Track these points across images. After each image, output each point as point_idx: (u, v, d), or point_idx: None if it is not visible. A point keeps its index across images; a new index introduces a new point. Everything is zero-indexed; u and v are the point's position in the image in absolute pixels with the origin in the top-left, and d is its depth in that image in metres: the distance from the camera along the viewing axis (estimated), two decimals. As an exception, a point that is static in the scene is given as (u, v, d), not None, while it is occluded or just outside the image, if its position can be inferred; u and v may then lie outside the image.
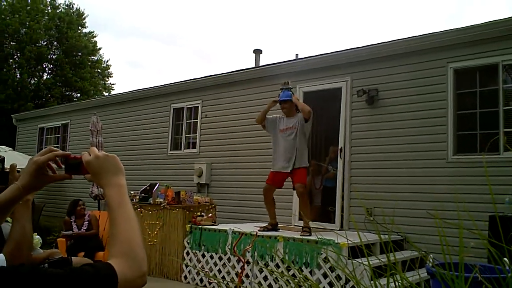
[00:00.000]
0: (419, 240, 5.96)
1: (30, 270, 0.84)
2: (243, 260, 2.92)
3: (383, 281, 1.99)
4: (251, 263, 6.10)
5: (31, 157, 1.27)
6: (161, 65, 59.24)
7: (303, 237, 5.84)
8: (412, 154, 6.71)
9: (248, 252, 6.04)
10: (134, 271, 0.98)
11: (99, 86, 25.71)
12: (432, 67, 6.70)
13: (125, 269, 0.95)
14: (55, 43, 23.85)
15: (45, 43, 23.54)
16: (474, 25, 6.40)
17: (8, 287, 0.79)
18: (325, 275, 5.46)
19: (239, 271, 6.03)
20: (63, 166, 1.27)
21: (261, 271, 5.97)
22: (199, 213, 7.05)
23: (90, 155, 1.18)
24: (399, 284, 1.45)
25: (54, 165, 1.28)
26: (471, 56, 6.41)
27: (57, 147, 13.20)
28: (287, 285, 5.68)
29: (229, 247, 6.33)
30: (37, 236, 5.49)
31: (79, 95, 24.28)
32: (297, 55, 12.11)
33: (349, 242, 5.32)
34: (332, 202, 7.43)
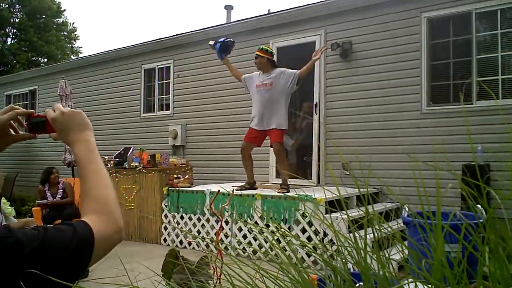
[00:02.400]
0: (395, 192, 6.03)
1: (6, 232, 0.81)
2: (220, 217, 2.87)
3: (361, 232, 1.98)
4: (230, 222, 6.11)
5: None
6: (129, 25, 57.48)
7: (280, 194, 5.84)
8: (386, 106, 6.70)
9: (227, 210, 6.03)
10: (110, 227, 0.95)
11: (66, 50, 24.89)
12: (406, 18, 6.60)
13: (101, 226, 0.92)
14: (17, 5, 22.76)
15: (6, 6, 22.44)
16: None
17: None
18: (303, 231, 5.51)
19: (228, 231, 6.04)
20: (26, 125, 1.19)
21: (240, 229, 5.99)
22: (175, 175, 6.98)
23: (54, 111, 1.12)
24: (377, 234, 1.43)
25: (16, 125, 1.20)
26: (445, 4, 6.32)
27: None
28: (266, 242, 5.74)
29: (207, 208, 6.31)
30: (10, 206, 5.37)
31: (46, 60, 23.46)
32: (269, 10, 11.84)
33: (326, 197, 5.36)
34: (308, 158, 7.43)
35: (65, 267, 0.83)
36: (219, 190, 3.24)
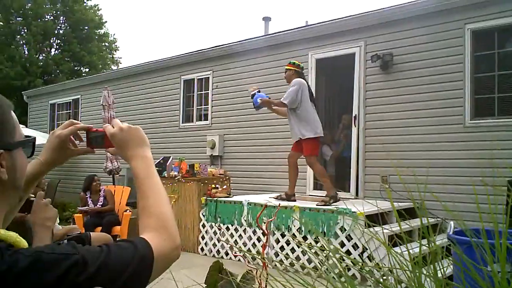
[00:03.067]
0: (436, 207, 5.89)
1: (72, 249, 0.83)
2: (266, 231, 2.88)
3: (403, 248, 1.95)
4: (267, 234, 6.11)
5: (53, 131, 1.23)
6: (169, 37, 58.65)
7: (318, 206, 5.81)
8: (428, 119, 6.57)
9: (271, 223, 6.01)
10: (168, 244, 0.96)
11: (107, 60, 25.60)
12: (449, 29, 6.48)
13: (160, 243, 0.94)
14: (61, 17, 23.64)
15: (51, 17, 23.34)
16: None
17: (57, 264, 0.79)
18: (342, 244, 5.45)
19: (263, 242, 6.03)
20: (84, 139, 1.23)
21: (277, 241, 5.98)
22: (213, 185, 7.04)
23: (113, 127, 1.15)
24: (416, 251, 1.41)
25: (76, 139, 1.25)
26: (489, 16, 6.18)
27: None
28: (303, 255, 5.71)
29: (245, 218, 6.34)
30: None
31: (87, 69, 24.21)
32: (307, 21, 11.86)
33: (365, 210, 5.29)
34: (347, 170, 7.35)
35: (126, 284, 0.84)
36: (265, 205, 3.24)
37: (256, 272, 2.04)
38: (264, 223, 5.99)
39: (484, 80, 6.39)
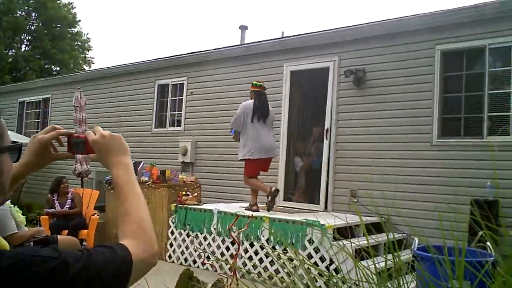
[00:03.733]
0: (402, 222, 6.04)
1: (54, 252, 0.84)
2: (237, 241, 2.90)
3: (369, 262, 2.01)
4: (236, 244, 6.13)
5: (34, 135, 1.25)
6: (144, 40, 58.15)
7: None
8: (397, 136, 6.75)
9: (233, 231, 6.05)
10: (147, 251, 0.98)
11: (79, 60, 25.22)
12: (420, 49, 6.68)
13: (139, 250, 0.96)
14: (33, 13, 23.15)
15: (23, 13, 22.83)
16: (463, 7, 6.37)
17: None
18: (309, 256, 5.52)
19: (233, 251, 6.05)
20: (65, 144, 1.25)
21: (246, 251, 6.01)
22: (184, 192, 7.02)
23: (95, 134, 1.17)
24: (382, 266, 1.47)
25: (56, 144, 1.26)
26: (459, 38, 6.41)
27: (37, 122, 12.93)
28: (271, 265, 5.75)
29: (214, 227, 6.34)
30: (22, 215, 5.41)
31: (58, 68, 23.76)
32: (283, 32, 12.03)
33: (334, 224, 5.38)
34: (317, 183, 7.46)
35: (106, 287, 0.86)
36: (238, 216, 3.26)
37: (227, 281, 2.07)
38: (234, 232, 6.01)
39: (452, 100, 6.61)
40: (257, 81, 6.69)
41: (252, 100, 6.43)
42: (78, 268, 0.83)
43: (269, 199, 6.24)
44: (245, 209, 6.38)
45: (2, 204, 1.02)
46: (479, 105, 6.27)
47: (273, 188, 6.30)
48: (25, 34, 23.36)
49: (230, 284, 2.05)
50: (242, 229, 4.40)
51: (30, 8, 22.89)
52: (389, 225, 6.31)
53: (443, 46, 6.53)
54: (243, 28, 12.49)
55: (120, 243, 0.96)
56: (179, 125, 9.55)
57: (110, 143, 1.16)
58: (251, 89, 6.59)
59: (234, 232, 6.04)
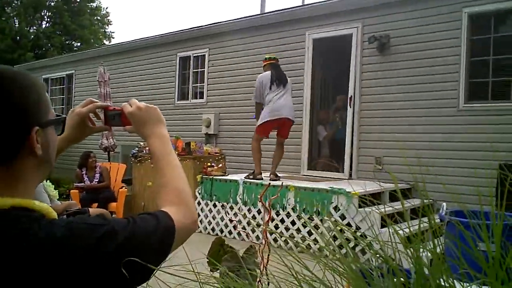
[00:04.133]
0: (430, 189, 6.01)
1: (103, 220, 0.89)
2: (269, 209, 2.92)
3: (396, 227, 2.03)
4: (263, 212, 6.22)
5: (72, 109, 1.27)
6: (164, 12, 57.84)
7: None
8: (423, 102, 6.65)
9: (259, 200, 6.13)
10: (187, 217, 1.01)
11: (99, 34, 25.27)
12: (446, 12, 6.50)
13: (180, 216, 0.98)
14: (53, -11, 23.21)
15: (43, -11, 22.90)
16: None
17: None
18: (335, 224, 5.56)
19: (259, 221, 6.14)
20: (102, 117, 1.27)
21: (272, 219, 6.09)
22: (209, 164, 7.11)
23: (131, 106, 1.19)
24: (406, 232, 1.48)
25: (93, 117, 1.29)
26: (486, 0, 6.20)
27: (62, 98, 13.14)
28: (298, 233, 5.84)
29: (240, 197, 6.43)
30: (54, 189, 5.57)
31: (79, 44, 23.91)
32: (303, 1, 11.79)
33: (360, 190, 5.40)
34: (341, 152, 7.44)
35: (150, 254, 0.89)
36: (269, 184, 3.30)
37: (259, 247, 2.11)
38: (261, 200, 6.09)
39: (479, 64, 6.45)
40: (270, 55, 6.73)
41: (269, 71, 6.46)
42: (124, 236, 0.86)
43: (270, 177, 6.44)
44: (247, 177, 6.48)
45: (48, 175, 1.06)
46: (507, 68, 6.10)
47: (272, 176, 6.54)
48: (45, 11, 23.47)
49: (262, 250, 2.09)
50: (274, 197, 4.45)
51: (49, -16, 22.94)
52: (418, 190, 6.30)
53: (470, 9, 6.33)
54: (263, -4, 12.32)
55: (162, 210, 0.98)
56: (201, 97, 9.58)
57: (146, 114, 1.17)
58: (264, 63, 6.65)
59: (263, 201, 6.11)
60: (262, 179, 6.45)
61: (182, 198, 1.04)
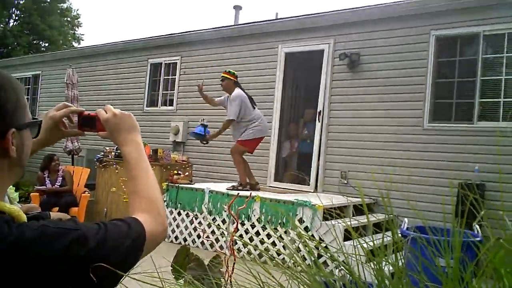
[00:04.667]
0: (391, 204, 6.12)
1: (74, 225, 0.89)
2: (236, 219, 2.92)
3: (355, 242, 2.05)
4: (227, 222, 6.19)
5: (46, 112, 1.26)
6: (136, 18, 57.37)
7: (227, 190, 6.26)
8: (390, 119, 6.81)
9: (225, 209, 6.10)
10: (158, 225, 1.00)
11: (68, 36, 24.81)
12: (415, 34, 6.71)
13: (151, 224, 0.98)
14: (22, -13, 22.70)
15: (12, -13, 22.37)
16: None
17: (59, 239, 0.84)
18: (298, 236, 5.59)
19: (223, 231, 6.10)
20: (75, 122, 1.26)
21: (236, 230, 6.06)
22: (176, 171, 7.05)
23: (106, 112, 1.18)
24: (370, 245, 1.51)
25: (66, 121, 1.27)
26: (454, 24, 6.44)
27: (27, 98, 12.78)
28: (261, 244, 5.83)
29: (205, 206, 6.38)
30: (15, 192, 5.39)
31: (47, 44, 23.38)
32: (277, 13, 11.95)
33: (325, 203, 5.45)
34: (308, 165, 7.52)
35: (119, 261, 0.89)
36: (238, 193, 3.29)
37: (225, 257, 2.11)
38: (226, 210, 6.06)
39: (444, 85, 6.67)
40: (233, 70, 6.65)
41: (240, 90, 6.44)
42: (95, 242, 0.86)
43: (249, 188, 6.45)
44: (233, 188, 6.40)
45: (20, 178, 1.04)
46: (471, 91, 6.33)
47: (257, 185, 6.62)
48: (14, 9, 22.90)
49: (227, 260, 2.08)
50: (241, 207, 4.44)
51: (19, -18, 22.44)
52: (382, 205, 6.41)
53: (437, 32, 6.56)
54: (237, 8, 12.40)
55: (134, 217, 0.98)
56: (171, 104, 9.52)
57: (121, 121, 1.17)
58: (231, 78, 6.49)
59: (226, 210, 6.08)
60: (259, 189, 6.59)
61: (154, 206, 1.04)
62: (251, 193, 4.65)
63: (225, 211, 6.10)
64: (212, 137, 6.63)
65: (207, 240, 6.24)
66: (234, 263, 1.96)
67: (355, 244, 1.55)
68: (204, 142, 6.73)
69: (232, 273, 2.08)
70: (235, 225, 2.93)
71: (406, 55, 6.75)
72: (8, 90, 0.91)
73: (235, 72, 6.62)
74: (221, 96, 6.83)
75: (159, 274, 1.36)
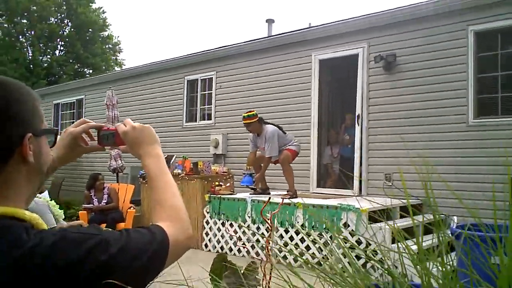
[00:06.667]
0: (439, 204, 5.93)
1: (96, 230, 0.89)
2: (270, 224, 2.88)
3: (409, 242, 1.97)
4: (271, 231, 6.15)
5: (65, 128, 1.27)
6: (173, 38, 58.91)
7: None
8: (431, 119, 6.63)
9: (275, 218, 6.06)
10: (182, 233, 1.00)
11: (111, 62, 25.74)
12: (452, 31, 6.55)
13: (175, 232, 0.98)
14: (65, 20, 23.79)
15: (56, 20, 23.49)
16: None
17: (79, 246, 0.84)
18: (345, 241, 5.48)
19: (265, 236, 6.08)
20: (96, 138, 1.26)
21: (281, 237, 6.02)
22: (217, 183, 7.09)
23: (125, 126, 1.18)
24: (419, 246, 1.43)
25: (86, 137, 1.27)
26: (492, 18, 6.24)
27: (72, 121, 13.30)
28: (307, 250, 5.75)
29: (249, 215, 6.39)
30: (59, 209, 5.58)
31: (91, 71, 24.34)
32: (310, 23, 11.94)
33: (369, 207, 5.34)
34: (350, 169, 7.40)
35: (144, 266, 0.89)
36: (269, 198, 3.27)
37: (261, 263, 2.06)
38: (268, 215, 6.03)
39: (487, 80, 6.45)
40: (249, 112, 6.60)
41: (269, 126, 6.50)
42: (117, 247, 0.85)
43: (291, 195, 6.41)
44: (284, 197, 6.36)
45: (41, 186, 1.04)
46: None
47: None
48: (58, 40, 24.01)
49: (264, 267, 2.04)
50: (274, 212, 4.41)
51: (63, 15, 23.52)
52: (430, 205, 6.20)
53: (475, 27, 6.38)
54: (270, 21, 12.47)
55: (157, 224, 0.98)
56: (209, 118, 9.65)
57: (140, 134, 1.16)
58: (253, 120, 6.46)
59: (268, 215, 6.05)
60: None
61: (177, 215, 1.04)
62: (283, 199, 4.63)
63: (268, 215, 6.07)
64: (259, 180, 6.73)
65: (244, 248, 6.23)
66: (271, 270, 1.93)
67: (400, 246, 1.49)
68: (255, 188, 6.80)
69: (270, 280, 2.04)
70: (269, 230, 2.90)
71: (443, 53, 6.59)
72: (24, 97, 0.92)
73: (254, 111, 6.59)
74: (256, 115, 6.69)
75: (201, 283, 1.34)
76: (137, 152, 1.16)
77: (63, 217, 7.08)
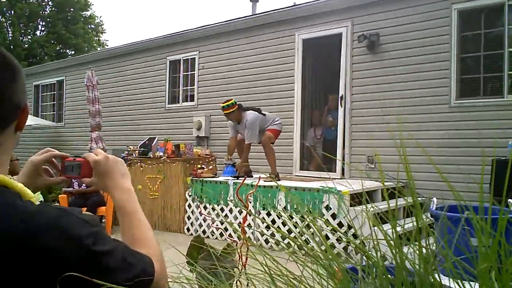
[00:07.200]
0: (421, 186, 5.93)
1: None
2: (246, 205, 2.84)
3: (386, 226, 1.92)
4: (253, 213, 6.11)
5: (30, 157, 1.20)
6: (155, 17, 58.02)
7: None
8: (414, 100, 6.58)
9: (250, 201, 6.03)
10: (163, 272, 0.99)
11: (93, 42, 25.25)
12: (436, 9, 6.46)
13: (158, 269, 0.96)
14: (45, -2, 23.23)
15: (36, -1, 22.91)
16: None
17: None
18: (327, 224, 5.46)
19: (251, 222, 6.05)
20: (60, 167, 1.18)
21: (263, 220, 5.98)
22: (199, 166, 7.01)
23: (97, 155, 1.12)
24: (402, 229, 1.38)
25: (51, 168, 1.20)
26: (476, -4, 6.16)
27: (53, 104, 13.04)
28: (289, 233, 5.73)
29: (230, 198, 6.33)
30: (39, 194, 5.47)
31: (73, 52, 23.87)
32: (294, 2, 11.75)
33: (351, 189, 5.30)
34: (334, 151, 7.36)
35: (128, 281, 0.87)
36: (244, 178, 3.20)
37: (237, 245, 2.03)
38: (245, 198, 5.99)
39: (470, 60, 6.40)
40: (227, 101, 6.51)
41: (249, 112, 6.42)
42: (110, 248, 0.86)
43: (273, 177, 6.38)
44: (266, 180, 6.31)
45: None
46: (499, 64, 6.05)
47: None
48: (39, 20, 23.44)
49: (240, 248, 2.01)
50: (251, 192, 4.38)
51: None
52: (410, 188, 6.20)
53: (459, 5, 6.29)
54: (254, 1, 12.26)
55: (148, 256, 0.96)
56: (192, 100, 9.50)
57: (113, 165, 1.11)
58: (233, 109, 6.39)
59: (250, 202, 6.01)
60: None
61: (158, 254, 1.00)
62: (259, 179, 4.55)
63: (237, 197, 6.02)
64: (242, 166, 6.63)
65: (226, 232, 6.20)
66: (247, 252, 1.89)
67: (381, 229, 1.43)
68: (239, 177, 6.66)
69: (245, 262, 2.01)
70: (244, 213, 2.86)
71: (427, 32, 6.50)
72: (21, 72, 0.95)
73: (233, 100, 6.52)
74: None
75: (180, 267, 1.35)
76: (107, 184, 1.10)
77: (41, 198, 7.02)
